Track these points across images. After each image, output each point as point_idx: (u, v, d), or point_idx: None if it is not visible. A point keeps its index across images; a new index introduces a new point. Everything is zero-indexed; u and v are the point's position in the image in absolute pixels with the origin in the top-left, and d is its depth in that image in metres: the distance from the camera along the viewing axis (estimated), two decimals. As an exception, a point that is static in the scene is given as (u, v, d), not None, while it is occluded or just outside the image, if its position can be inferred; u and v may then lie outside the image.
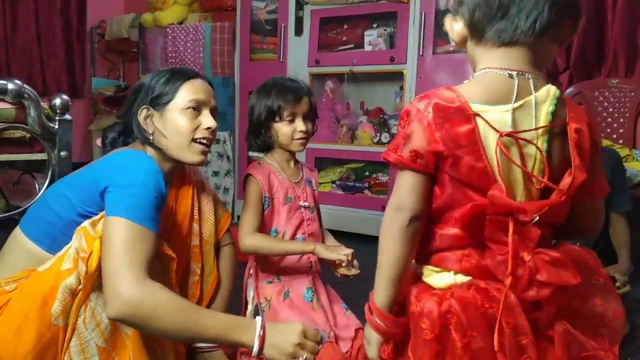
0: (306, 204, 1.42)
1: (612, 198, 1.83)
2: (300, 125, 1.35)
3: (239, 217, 1.38)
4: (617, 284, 1.73)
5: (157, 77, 1.17)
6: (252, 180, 1.36)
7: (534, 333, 0.67)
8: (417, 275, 0.79)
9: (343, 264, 1.28)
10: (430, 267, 0.76)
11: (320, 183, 2.22)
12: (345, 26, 3.01)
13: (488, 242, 0.70)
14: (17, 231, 1.06)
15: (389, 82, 3.04)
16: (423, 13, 2.66)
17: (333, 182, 3.09)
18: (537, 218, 0.67)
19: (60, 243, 0.99)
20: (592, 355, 0.69)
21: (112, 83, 4.09)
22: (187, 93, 1.15)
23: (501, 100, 0.71)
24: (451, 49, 2.69)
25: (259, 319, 0.95)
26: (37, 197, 1.61)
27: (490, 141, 0.69)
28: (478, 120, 0.70)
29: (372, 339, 0.80)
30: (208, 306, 1.31)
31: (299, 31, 3.03)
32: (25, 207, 1.66)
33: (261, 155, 1.44)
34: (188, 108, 1.14)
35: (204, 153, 1.17)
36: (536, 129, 0.70)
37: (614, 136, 2.53)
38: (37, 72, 3.72)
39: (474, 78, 0.77)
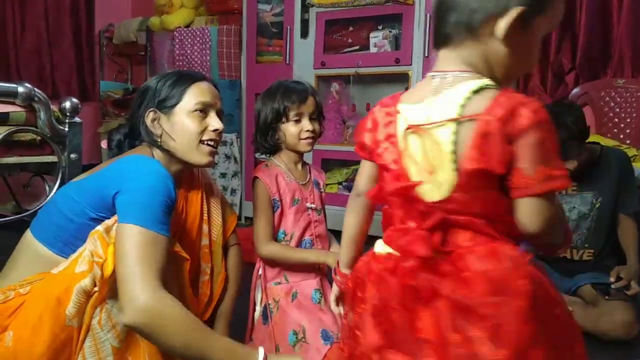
0: (313, 205, 1.42)
1: (620, 199, 1.82)
2: (307, 124, 1.37)
3: (246, 218, 1.39)
4: (614, 283, 1.73)
5: (164, 80, 1.17)
6: (259, 183, 1.37)
7: (416, 301, 0.75)
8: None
9: None
10: (380, 238, 0.87)
11: (326, 184, 2.22)
12: (351, 28, 3.01)
13: (394, 218, 0.83)
14: (28, 234, 1.06)
15: (394, 84, 3.03)
16: (428, 15, 2.65)
17: (339, 183, 3.08)
18: (434, 201, 0.76)
19: (72, 246, 0.99)
20: (470, 339, 0.70)
21: (120, 86, 4.12)
22: (193, 96, 1.16)
23: (421, 99, 0.79)
24: (457, 50, 2.69)
25: (261, 349, 0.96)
26: (47, 199, 1.62)
27: (402, 134, 0.80)
28: (398, 117, 0.81)
29: (333, 292, 1.02)
30: (217, 306, 1.32)
31: (304, 33, 3.04)
32: (35, 209, 1.67)
33: (269, 157, 1.45)
34: (195, 110, 1.15)
35: (212, 154, 1.18)
36: (439, 122, 0.74)
37: (621, 136, 2.52)
38: (46, 76, 3.74)
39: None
